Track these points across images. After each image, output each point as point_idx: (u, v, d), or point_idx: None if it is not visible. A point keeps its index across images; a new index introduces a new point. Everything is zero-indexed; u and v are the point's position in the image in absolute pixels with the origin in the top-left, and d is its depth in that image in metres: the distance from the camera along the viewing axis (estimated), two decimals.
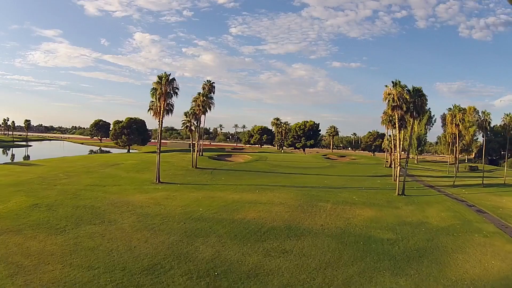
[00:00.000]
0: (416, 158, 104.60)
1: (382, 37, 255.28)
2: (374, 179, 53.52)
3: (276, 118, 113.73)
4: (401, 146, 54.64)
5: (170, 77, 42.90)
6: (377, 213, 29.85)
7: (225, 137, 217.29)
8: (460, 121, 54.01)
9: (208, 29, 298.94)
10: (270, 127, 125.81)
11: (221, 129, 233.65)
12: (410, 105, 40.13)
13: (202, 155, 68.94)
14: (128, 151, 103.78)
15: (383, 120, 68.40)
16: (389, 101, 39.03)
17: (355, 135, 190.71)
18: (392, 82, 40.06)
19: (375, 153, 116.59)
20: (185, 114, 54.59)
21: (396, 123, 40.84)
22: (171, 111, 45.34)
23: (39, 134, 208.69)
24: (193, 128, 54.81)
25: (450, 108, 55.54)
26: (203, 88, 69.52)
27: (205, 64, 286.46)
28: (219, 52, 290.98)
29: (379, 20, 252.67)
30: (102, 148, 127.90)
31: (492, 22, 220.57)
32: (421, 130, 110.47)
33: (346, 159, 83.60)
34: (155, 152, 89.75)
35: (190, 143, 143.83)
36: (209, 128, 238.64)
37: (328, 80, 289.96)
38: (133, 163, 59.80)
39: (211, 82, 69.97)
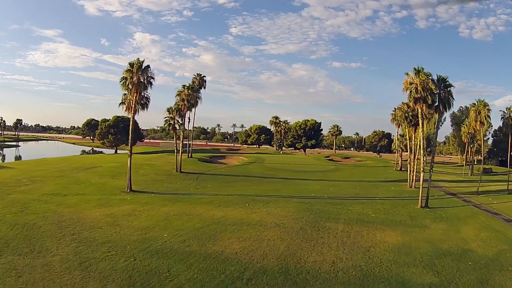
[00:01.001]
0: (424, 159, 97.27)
1: (383, 37, 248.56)
2: (387, 186, 46.23)
3: (275, 117, 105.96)
4: (421, 147, 47.56)
5: (144, 64, 35.72)
6: (403, 238, 22.54)
7: (223, 137, 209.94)
8: (485, 118, 46.72)
9: (208, 29, 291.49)
10: (269, 126, 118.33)
11: (219, 129, 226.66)
12: (435, 97, 32.86)
13: (191, 156, 61.72)
14: (116, 151, 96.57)
15: (395, 117, 61.12)
16: (411, 92, 31.71)
17: (358, 134, 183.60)
18: (414, 69, 32.74)
19: (380, 154, 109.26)
20: (168, 110, 47.36)
21: (420, 120, 33.51)
22: (147, 105, 38.07)
23: (34, 134, 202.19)
24: (177, 126, 47.48)
25: (474, 104, 48.29)
26: (193, 82, 62.28)
27: (205, 64, 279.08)
28: (219, 52, 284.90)
29: (380, 20, 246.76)
30: (95, 149, 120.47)
31: (493, 22, 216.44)
32: (430, 129, 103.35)
33: (351, 161, 76.24)
34: (145, 153, 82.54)
35: (184, 144, 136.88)
36: (207, 128, 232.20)
37: (328, 80, 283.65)
38: (112, 166, 52.70)
39: (202, 76, 62.78)
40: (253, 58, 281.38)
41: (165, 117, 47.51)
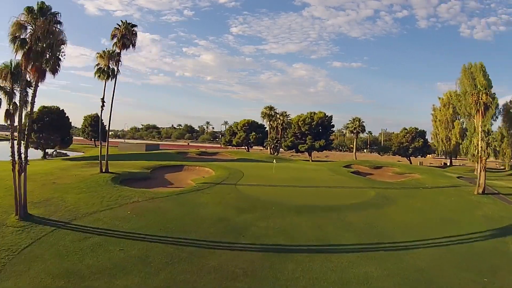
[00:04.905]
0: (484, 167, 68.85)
1: (383, 37, 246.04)
2: None
3: (268, 107, 76.93)
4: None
5: None
6: None
7: (212, 137, 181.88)
8: None
9: (209, 28, 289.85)
10: (262, 121, 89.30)
11: (212, 128, 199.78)
12: None
13: (106, 171, 33.65)
14: (44, 156, 68.53)
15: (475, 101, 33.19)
16: None
17: (371, 133, 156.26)
18: None
19: (421, 161, 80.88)
20: None
21: None
22: None
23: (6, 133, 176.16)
24: (11, 107, 19.33)
25: None
26: (112, 35, 34.44)
27: (206, 64, 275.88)
28: (220, 51, 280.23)
29: (380, 20, 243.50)
30: (58, 151, 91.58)
31: (494, 22, 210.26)
32: (485, 125, 75.18)
33: (387, 173, 48.16)
34: (74, 159, 54.11)
35: (156, 144, 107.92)
36: (198, 126, 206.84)
37: (328, 80, 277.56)
38: None
39: (130, 25, 34.78)
40: (253, 57, 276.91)
41: None
